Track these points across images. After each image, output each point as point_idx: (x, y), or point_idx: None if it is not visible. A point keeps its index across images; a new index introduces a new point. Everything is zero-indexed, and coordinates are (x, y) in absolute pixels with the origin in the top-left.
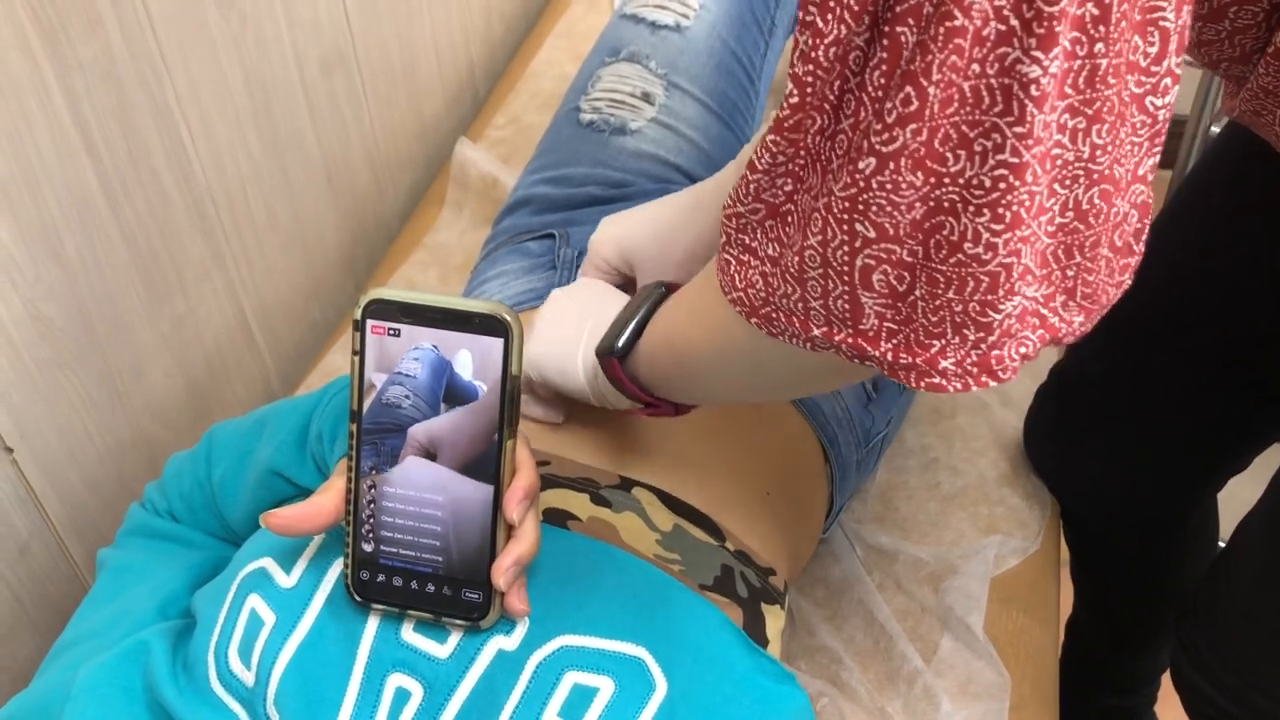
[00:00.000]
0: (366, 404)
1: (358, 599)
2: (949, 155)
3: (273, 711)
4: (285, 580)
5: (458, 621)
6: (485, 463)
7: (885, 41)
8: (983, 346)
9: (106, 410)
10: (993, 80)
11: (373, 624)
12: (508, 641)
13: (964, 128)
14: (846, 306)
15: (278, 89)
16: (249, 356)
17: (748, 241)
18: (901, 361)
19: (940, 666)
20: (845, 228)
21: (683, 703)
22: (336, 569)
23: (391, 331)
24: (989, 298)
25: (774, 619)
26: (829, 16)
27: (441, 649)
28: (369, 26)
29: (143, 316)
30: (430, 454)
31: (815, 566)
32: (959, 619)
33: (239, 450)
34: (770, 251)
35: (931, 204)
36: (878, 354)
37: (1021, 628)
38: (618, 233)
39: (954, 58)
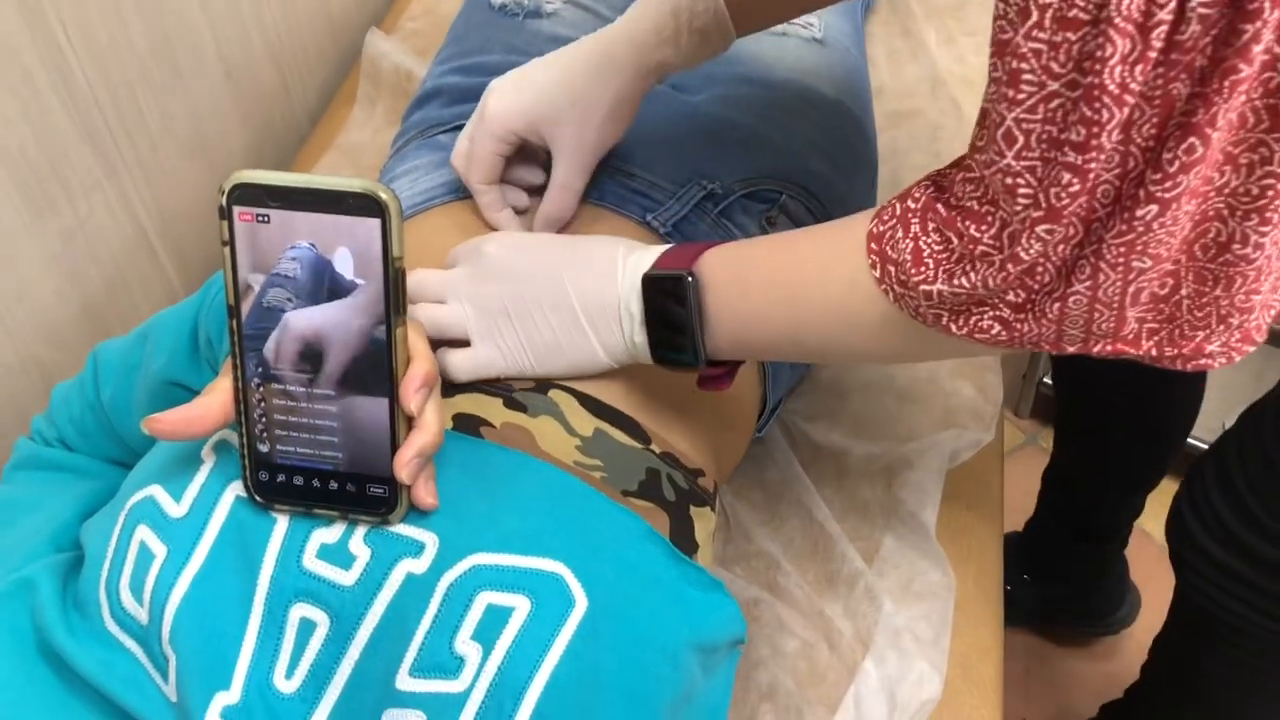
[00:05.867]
0: (246, 308)
1: (259, 500)
2: (1217, 174)
3: (169, 650)
4: (175, 509)
5: (365, 518)
6: (377, 354)
7: (1158, 100)
8: (1246, 325)
9: None
10: (1258, 103)
11: (272, 552)
12: (416, 564)
13: (1231, 148)
14: (1110, 325)
15: None
16: (151, 270)
17: (982, 309)
18: (1166, 354)
19: (882, 567)
20: (1120, 268)
21: (604, 618)
22: (230, 495)
23: (261, 218)
24: (1253, 287)
25: (703, 522)
26: (1110, 110)
27: (346, 575)
28: None
29: (24, 234)
30: (317, 352)
31: (751, 469)
32: (910, 513)
33: (125, 365)
34: (1014, 299)
35: (1198, 217)
36: (1139, 353)
37: (965, 525)
38: (524, 102)
39: (1238, 99)
